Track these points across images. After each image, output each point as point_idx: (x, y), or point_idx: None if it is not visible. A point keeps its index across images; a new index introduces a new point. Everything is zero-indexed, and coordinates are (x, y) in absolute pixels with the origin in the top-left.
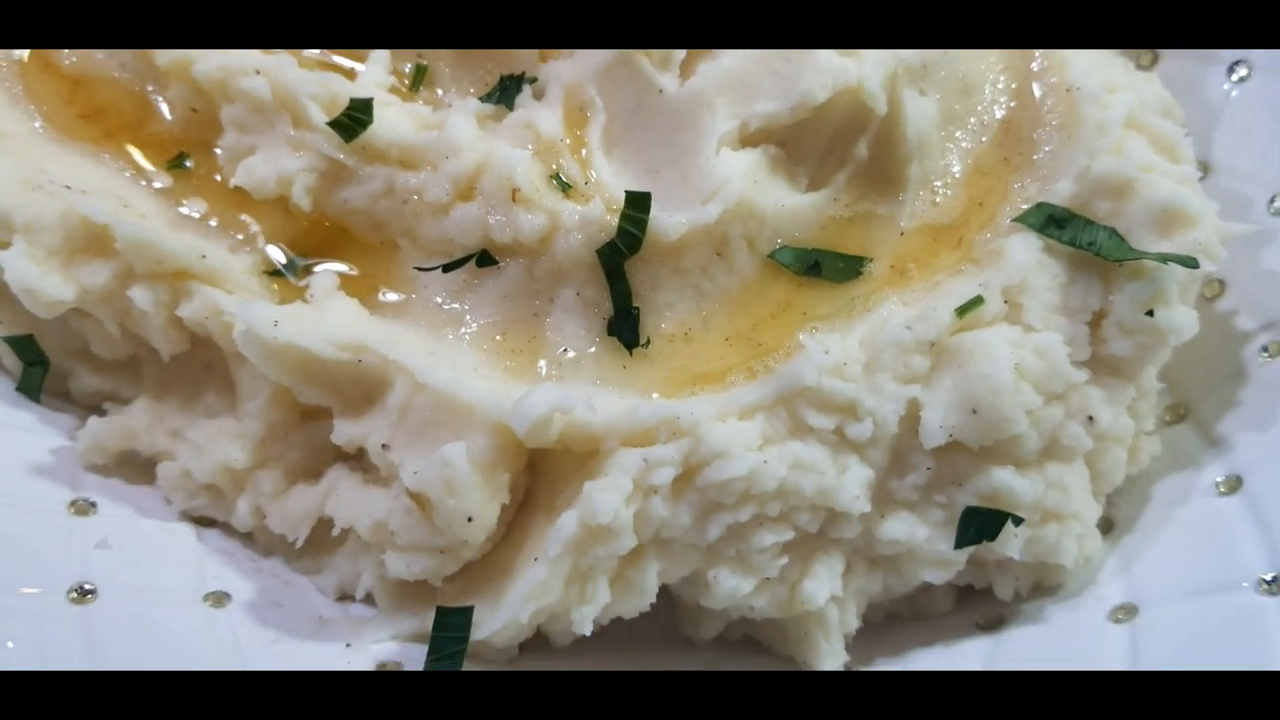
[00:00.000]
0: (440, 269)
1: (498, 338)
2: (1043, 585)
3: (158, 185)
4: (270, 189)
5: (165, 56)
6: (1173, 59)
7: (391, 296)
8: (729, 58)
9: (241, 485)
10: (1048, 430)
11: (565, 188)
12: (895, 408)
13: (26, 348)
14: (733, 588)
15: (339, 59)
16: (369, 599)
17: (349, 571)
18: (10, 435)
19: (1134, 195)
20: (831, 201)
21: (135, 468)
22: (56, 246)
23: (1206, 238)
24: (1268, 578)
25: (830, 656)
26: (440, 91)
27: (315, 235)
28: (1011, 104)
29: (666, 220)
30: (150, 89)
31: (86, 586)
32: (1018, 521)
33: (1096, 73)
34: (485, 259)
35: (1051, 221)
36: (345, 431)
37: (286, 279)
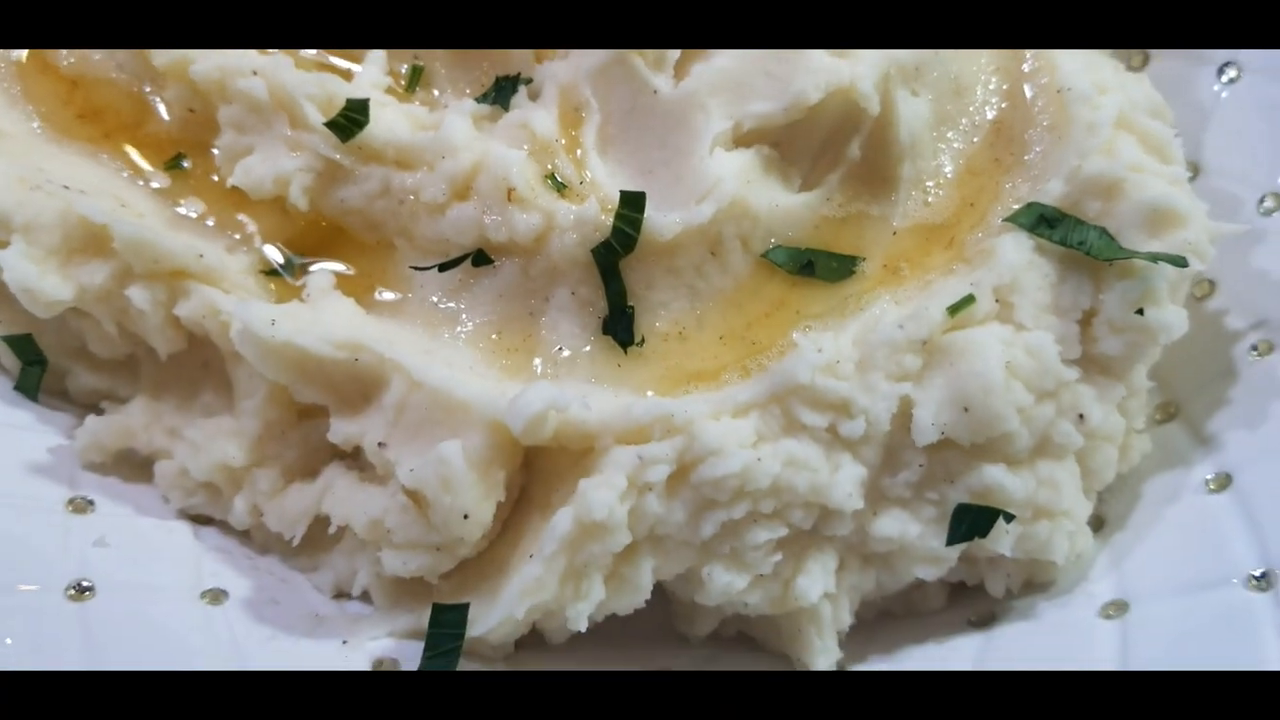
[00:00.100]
0: (436, 268)
1: (493, 336)
2: (1034, 582)
3: (155, 185)
4: (267, 189)
5: (163, 57)
6: (1163, 60)
7: (388, 296)
8: (723, 58)
9: (239, 483)
10: (1039, 428)
11: (560, 188)
12: (888, 405)
13: (25, 347)
14: (727, 584)
15: (335, 60)
16: (365, 596)
17: (345, 569)
18: (8, 434)
19: (1124, 195)
20: (824, 201)
21: (133, 466)
22: (55, 246)
23: (1196, 237)
24: (1257, 574)
25: (823, 653)
26: (436, 92)
27: (312, 235)
28: (1003, 105)
29: (661, 220)
30: (148, 89)
31: (84, 583)
32: (1009, 518)
33: (1087, 74)
34: (481, 258)
35: (1042, 221)
36: (342, 430)
37: (283, 278)
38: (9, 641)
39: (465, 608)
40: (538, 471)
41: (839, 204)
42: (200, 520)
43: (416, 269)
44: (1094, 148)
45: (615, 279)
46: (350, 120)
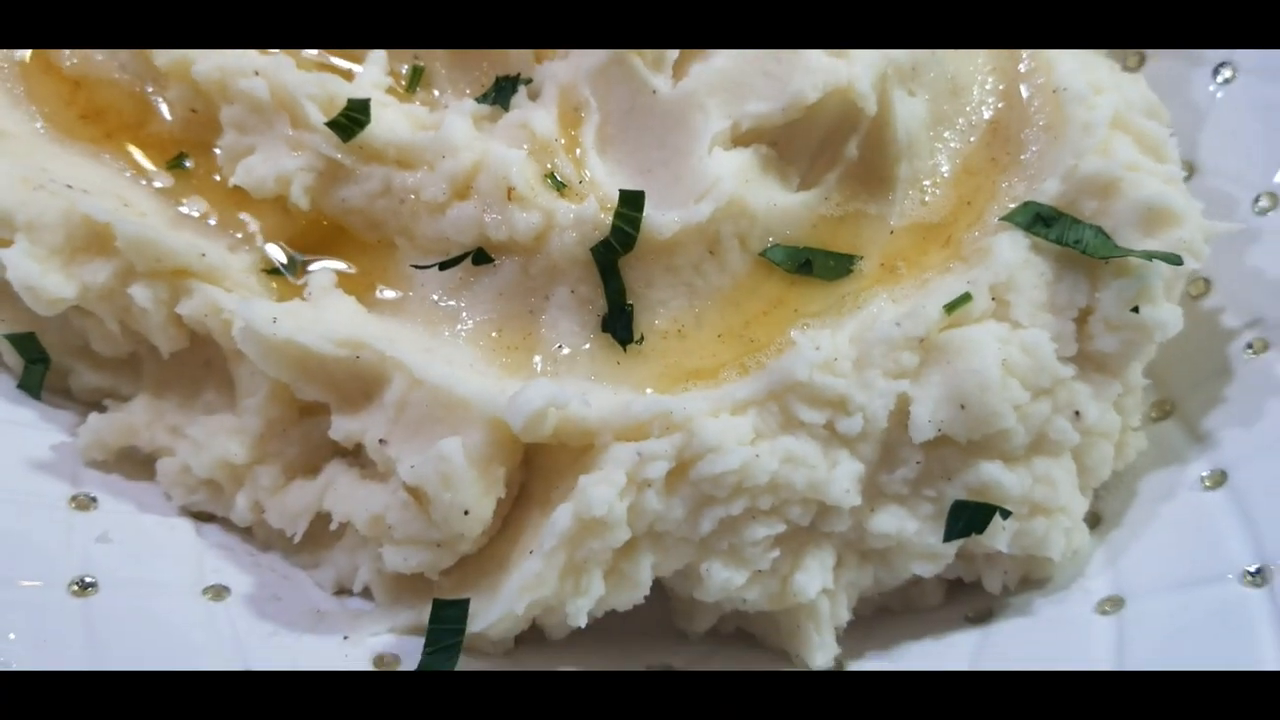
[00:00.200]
0: (437, 267)
1: (493, 334)
2: (1031, 578)
3: (158, 185)
4: (269, 188)
5: (164, 57)
6: (1159, 60)
7: (389, 294)
8: (721, 58)
9: (240, 480)
10: (1035, 425)
11: (560, 187)
12: (885, 403)
13: (28, 345)
14: (725, 580)
15: (337, 60)
16: (366, 592)
17: (347, 565)
18: (12, 431)
19: (1120, 194)
20: (822, 200)
21: (135, 463)
22: (58, 245)
23: (1191, 236)
24: (1251, 570)
25: (821, 649)
26: (437, 92)
27: (313, 234)
28: (999, 104)
29: (660, 219)
30: (150, 90)
31: (87, 580)
32: (1006, 515)
33: (1083, 74)
34: (481, 257)
35: (1038, 220)
36: (343, 427)
37: (285, 277)
38: (12, 636)
39: (466, 603)
40: (538, 468)
41: (837, 203)
42: (202, 517)
43: (417, 267)
44: (1090, 147)
45: (614, 277)
46: (351, 120)
